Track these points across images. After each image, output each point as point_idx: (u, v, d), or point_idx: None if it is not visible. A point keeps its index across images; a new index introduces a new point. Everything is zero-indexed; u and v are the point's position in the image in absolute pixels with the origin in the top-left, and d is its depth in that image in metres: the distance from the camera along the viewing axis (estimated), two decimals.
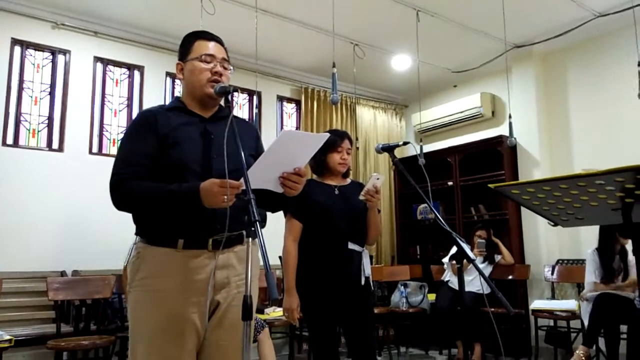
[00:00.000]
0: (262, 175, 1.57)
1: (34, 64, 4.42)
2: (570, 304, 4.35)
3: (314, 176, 2.62)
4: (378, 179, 2.36)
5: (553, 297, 4.73)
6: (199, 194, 1.50)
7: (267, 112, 5.72)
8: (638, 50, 3.87)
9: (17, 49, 4.32)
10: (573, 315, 4.21)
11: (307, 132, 1.77)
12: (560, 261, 4.90)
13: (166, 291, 1.58)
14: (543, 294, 4.91)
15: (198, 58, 1.71)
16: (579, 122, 5.02)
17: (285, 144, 1.55)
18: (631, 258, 3.80)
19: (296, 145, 1.58)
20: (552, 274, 4.72)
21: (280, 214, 2.50)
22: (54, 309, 3.53)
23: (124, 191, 1.58)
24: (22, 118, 4.31)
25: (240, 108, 5.58)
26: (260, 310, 4.12)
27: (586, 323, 3.87)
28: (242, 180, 1.47)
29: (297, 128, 5.92)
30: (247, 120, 2.31)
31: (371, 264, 2.77)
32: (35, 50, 4.42)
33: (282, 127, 5.95)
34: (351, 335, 2.45)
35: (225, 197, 1.45)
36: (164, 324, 1.57)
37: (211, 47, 1.74)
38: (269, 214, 4.03)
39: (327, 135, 1.66)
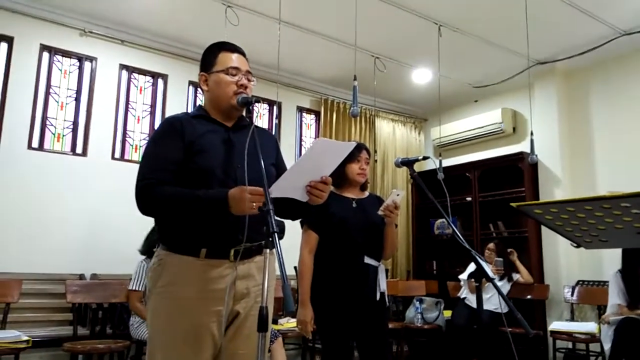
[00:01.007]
0: (291, 184, 1.59)
1: (61, 70, 4.53)
2: (590, 326, 4.25)
3: (332, 188, 2.61)
4: (398, 195, 2.35)
5: (572, 319, 4.63)
6: (227, 200, 1.51)
7: (286, 123, 5.76)
8: None
9: (46, 54, 4.43)
10: (593, 338, 4.11)
11: (337, 141, 1.80)
12: (581, 282, 4.80)
13: (186, 299, 1.59)
14: (562, 315, 4.81)
15: (224, 71, 1.73)
16: (602, 141, 4.94)
17: (317, 152, 1.58)
18: None
19: (326, 154, 1.61)
20: (572, 295, 4.62)
21: (297, 225, 2.50)
22: (72, 312, 3.57)
23: (150, 196, 1.59)
24: (47, 122, 4.41)
25: (261, 118, 5.63)
26: (274, 321, 4.11)
27: (606, 347, 3.77)
28: (270, 188, 1.50)
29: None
30: (266, 130, 2.34)
31: (386, 278, 2.74)
32: (63, 56, 4.53)
33: (301, 138, 5.98)
34: (365, 351, 2.42)
35: (254, 204, 1.46)
36: (183, 332, 1.58)
37: (235, 59, 1.77)
38: (286, 224, 4.05)
39: (354, 143, 1.70)
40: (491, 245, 4.87)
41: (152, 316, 1.65)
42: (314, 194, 1.62)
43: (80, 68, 4.60)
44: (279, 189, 1.56)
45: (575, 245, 1.52)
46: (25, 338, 3.14)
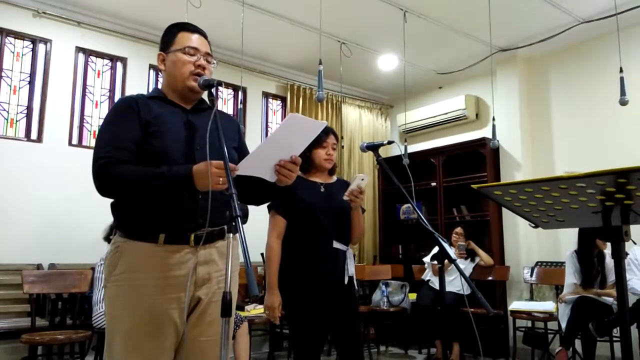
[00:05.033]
0: (260, 162, 1.55)
1: (13, 53, 4.31)
2: (548, 305, 4.41)
3: (300, 173, 2.59)
4: (363, 179, 2.35)
5: (531, 299, 4.79)
6: (192, 176, 1.47)
7: (252, 108, 5.68)
8: (620, 57, 3.92)
9: None
10: (550, 316, 4.27)
11: (310, 118, 1.77)
12: (539, 263, 4.96)
13: (145, 287, 1.54)
14: (522, 295, 4.97)
15: (181, 50, 1.69)
16: (561, 125, 5.09)
17: (289, 128, 1.54)
18: (609, 261, 3.87)
19: (297, 131, 1.58)
20: (531, 275, 4.78)
21: (265, 210, 2.47)
22: (29, 303, 3.45)
23: (110, 175, 1.51)
24: (0, 107, 4.21)
25: (225, 103, 5.53)
26: (241, 307, 4.09)
27: (563, 325, 3.93)
28: (238, 165, 1.47)
29: None
30: (228, 114, 2.29)
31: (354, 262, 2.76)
32: (16, 38, 4.32)
33: (267, 124, 5.91)
34: (338, 334, 2.43)
35: (221, 179, 1.42)
36: (142, 320, 1.53)
37: (195, 39, 1.72)
38: (252, 209, 4.02)
39: (325, 123, 1.69)
40: (459, 229, 4.98)
41: (110, 305, 1.60)
42: (282, 173, 1.60)
43: (34, 50, 4.40)
44: (247, 167, 1.52)
45: (533, 225, 1.55)
46: None
